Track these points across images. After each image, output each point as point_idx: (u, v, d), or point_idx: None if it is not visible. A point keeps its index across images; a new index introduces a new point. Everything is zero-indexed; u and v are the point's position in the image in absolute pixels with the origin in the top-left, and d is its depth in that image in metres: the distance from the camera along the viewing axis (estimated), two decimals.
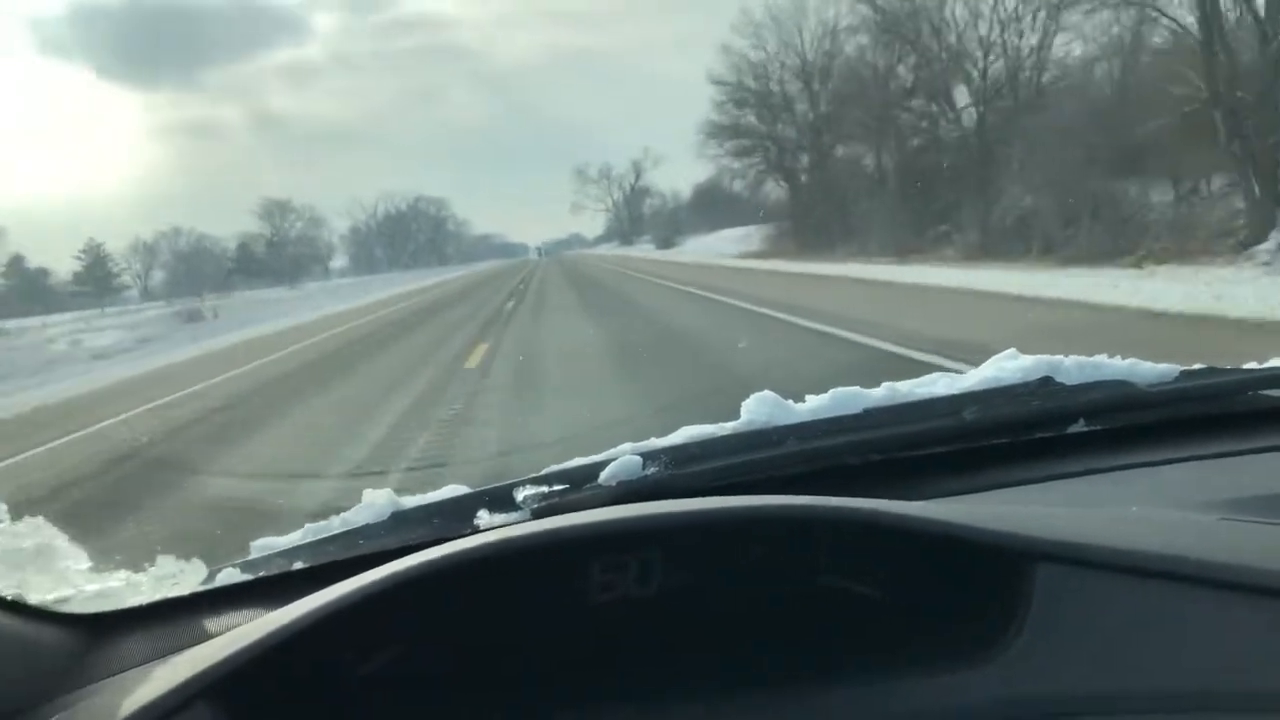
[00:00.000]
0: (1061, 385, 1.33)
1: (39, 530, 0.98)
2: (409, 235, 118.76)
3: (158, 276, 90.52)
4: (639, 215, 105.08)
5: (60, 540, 1.00)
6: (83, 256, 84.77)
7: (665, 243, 69.49)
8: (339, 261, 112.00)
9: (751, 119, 45.24)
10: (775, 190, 45.90)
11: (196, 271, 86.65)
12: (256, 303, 48.16)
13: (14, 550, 0.94)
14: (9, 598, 0.94)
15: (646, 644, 0.94)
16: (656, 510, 0.92)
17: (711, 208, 72.93)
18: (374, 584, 0.86)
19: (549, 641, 0.95)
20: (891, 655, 0.89)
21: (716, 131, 46.73)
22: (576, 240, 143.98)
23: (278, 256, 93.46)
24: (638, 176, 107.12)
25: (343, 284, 75.91)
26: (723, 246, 47.96)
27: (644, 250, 72.15)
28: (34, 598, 0.98)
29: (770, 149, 45.03)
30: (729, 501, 0.93)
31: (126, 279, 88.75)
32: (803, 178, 42.54)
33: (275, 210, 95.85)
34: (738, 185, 53.93)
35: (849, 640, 0.93)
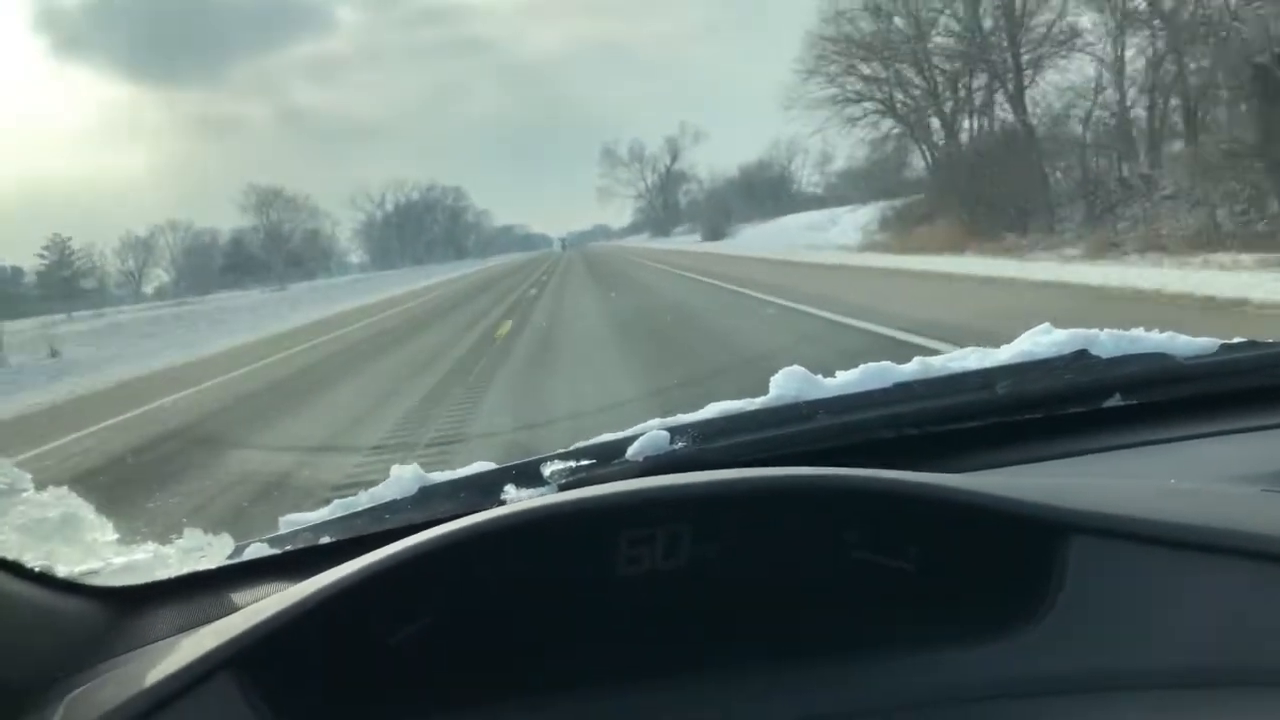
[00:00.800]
0: (1097, 359, 1.31)
1: (63, 500, 0.98)
2: (422, 227, 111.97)
3: (161, 277, 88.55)
4: (673, 202, 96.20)
5: (86, 511, 1.00)
6: (45, 254, 77.01)
7: (714, 232, 58.83)
8: (358, 257, 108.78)
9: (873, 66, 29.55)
10: (889, 151, 31.69)
11: (200, 269, 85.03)
12: (196, 317, 36.17)
13: (40, 521, 0.93)
14: (37, 569, 0.94)
15: (673, 618, 0.93)
16: (682, 481, 0.91)
17: (762, 191, 69.54)
18: (401, 553, 0.86)
19: (575, 613, 0.95)
20: (924, 628, 0.87)
21: (826, 59, 29.83)
22: (601, 231, 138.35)
23: (276, 252, 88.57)
24: (674, 157, 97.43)
25: (338, 284, 70.03)
26: (806, 236, 35.19)
27: (685, 241, 62.81)
28: (62, 570, 0.98)
29: (912, 95, 29.37)
30: (756, 472, 0.92)
31: (115, 278, 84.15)
32: (963, 135, 28.37)
33: (267, 200, 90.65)
34: (842, 148, 46.36)
35: (881, 614, 0.92)
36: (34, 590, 0.94)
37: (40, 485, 0.96)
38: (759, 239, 43.47)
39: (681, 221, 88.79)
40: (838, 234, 32.75)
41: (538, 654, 0.92)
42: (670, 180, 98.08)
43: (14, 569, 0.92)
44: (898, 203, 30.26)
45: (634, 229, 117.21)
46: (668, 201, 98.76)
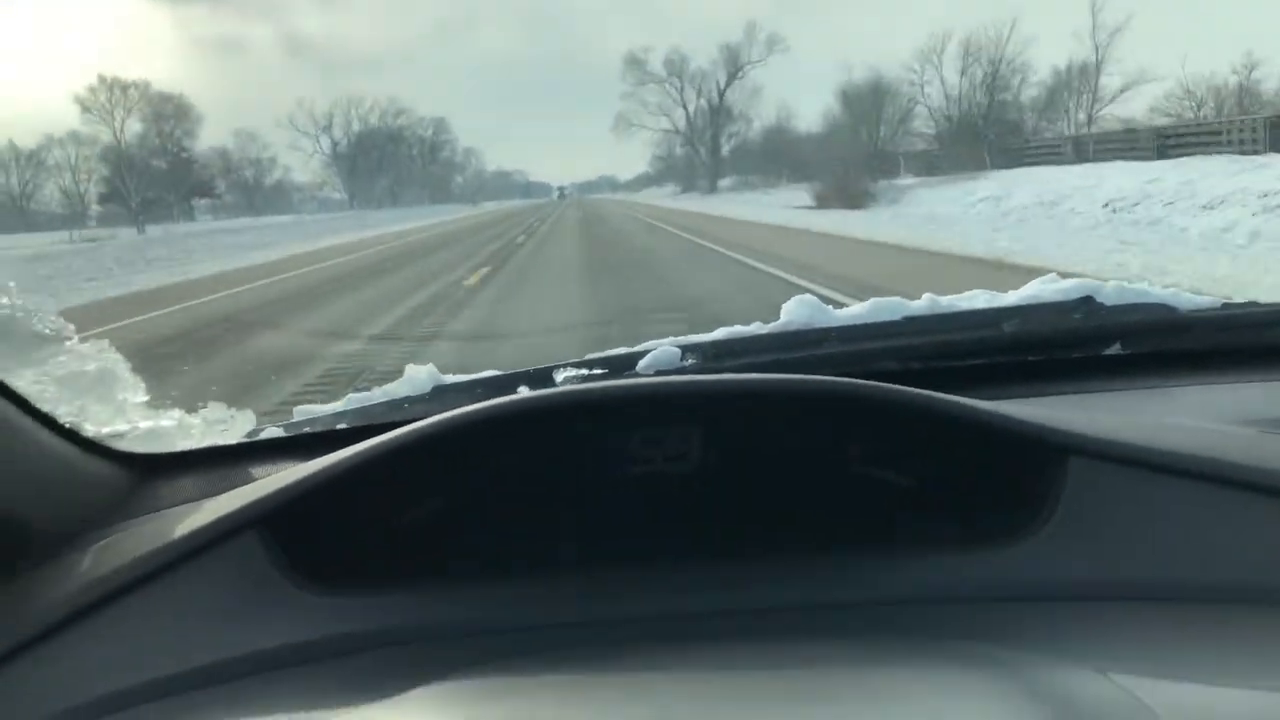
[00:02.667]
0: (1101, 305, 1.34)
1: (103, 355, 1.01)
2: (384, 163, 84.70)
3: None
4: (716, 147, 65.56)
5: (121, 369, 1.03)
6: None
7: (846, 194, 28.49)
8: (303, 195, 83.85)
9: None
10: None
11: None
12: None
13: (78, 374, 0.96)
14: (68, 425, 0.97)
15: (676, 518, 0.96)
16: (697, 378, 0.93)
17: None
18: (421, 429, 0.88)
19: (580, 507, 0.97)
20: (919, 537, 0.90)
21: None
22: (606, 183, 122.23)
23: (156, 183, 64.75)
24: (733, 74, 64.89)
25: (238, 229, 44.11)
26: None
27: (773, 209, 29.62)
28: (90, 429, 1.00)
29: None
30: (772, 376, 0.95)
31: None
32: None
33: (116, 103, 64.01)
34: None
35: (880, 523, 0.95)
36: (64, 446, 0.97)
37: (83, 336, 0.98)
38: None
39: (727, 172, 63.41)
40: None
41: (538, 540, 0.95)
42: (718, 114, 67.09)
43: (48, 422, 0.95)
44: None
45: (651, 180, 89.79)
46: (715, 143, 67.17)
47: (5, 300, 0.87)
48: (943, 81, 45.52)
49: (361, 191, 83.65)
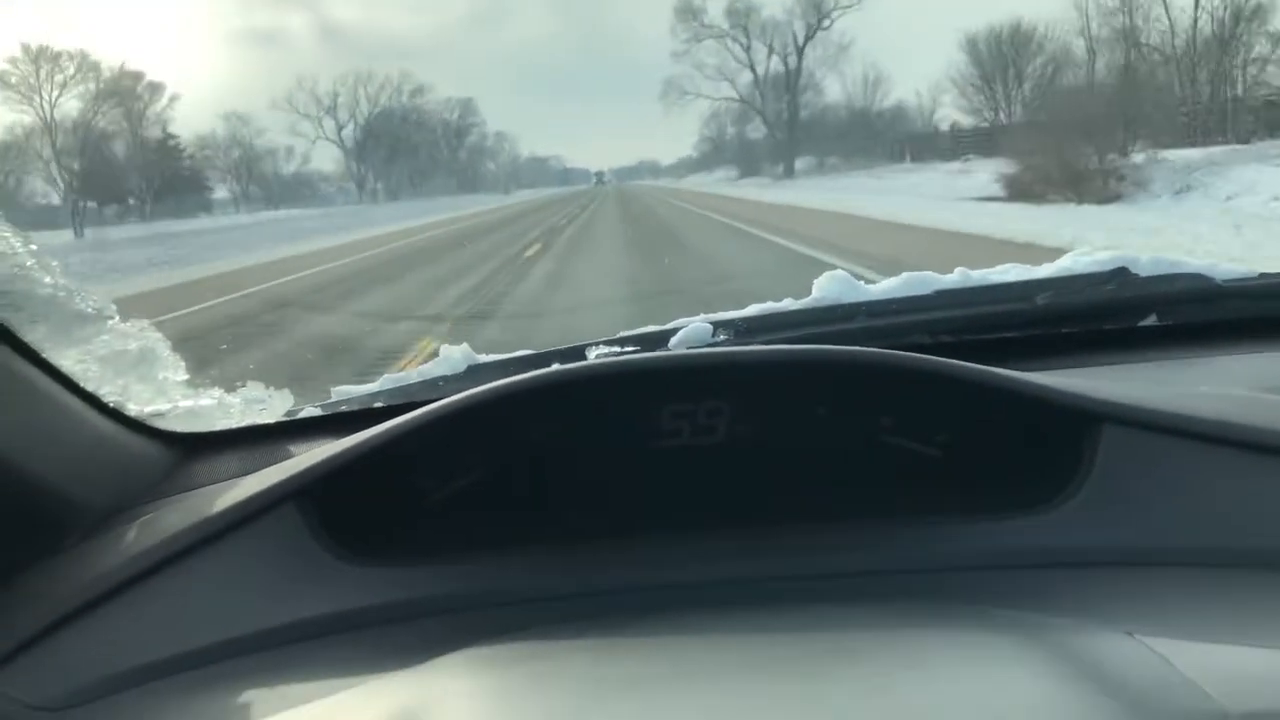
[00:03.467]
0: (1136, 276, 1.33)
1: (144, 334, 1.03)
2: (400, 148, 72.50)
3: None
4: (794, 117, 50.21)
5: (162, 348, 1.05)
6: None
7: (1094, 185, 17.56)
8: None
9: None
10: None
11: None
12: None
13: (120, 353, 0.98)
14: (112, 404, 0.99)
15: (704, 489, 0.97)
16: (729, 350, 0.94)
17: None
18: (457, 402, 0.89)
19: (609, 477, 0.98)
20: (949, 506, 0.90)
21: None
22: (646, 168, 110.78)
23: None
24: (815, 25, 49.46)
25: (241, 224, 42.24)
26: None
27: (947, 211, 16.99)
28: (133, 408, 1.03)
29: None
30: (802, 348, 0.95)
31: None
32: None
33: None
34: None
35: (909, 493, 0.95)
36: (109, 424, 0.99)
37: (124, 315, 1.00)
38: None
39: (803, 151, 49.77)
40: None
41: (568, 513, 0.96)
42: (799, 73, 50.68)
43: (93, 401, 0.97)
44: None
45: (695, 164, 76.62)
46: (795, 111, 50.95)
47: (49, 280, 0.89)
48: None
49: (375, 180, 73.39)
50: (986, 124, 37.12)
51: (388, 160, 72.66)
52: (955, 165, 27.08)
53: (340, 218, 43.07)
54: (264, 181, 69.18)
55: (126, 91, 53.43)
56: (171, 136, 58.71)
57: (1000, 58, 38.89)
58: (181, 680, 0.76)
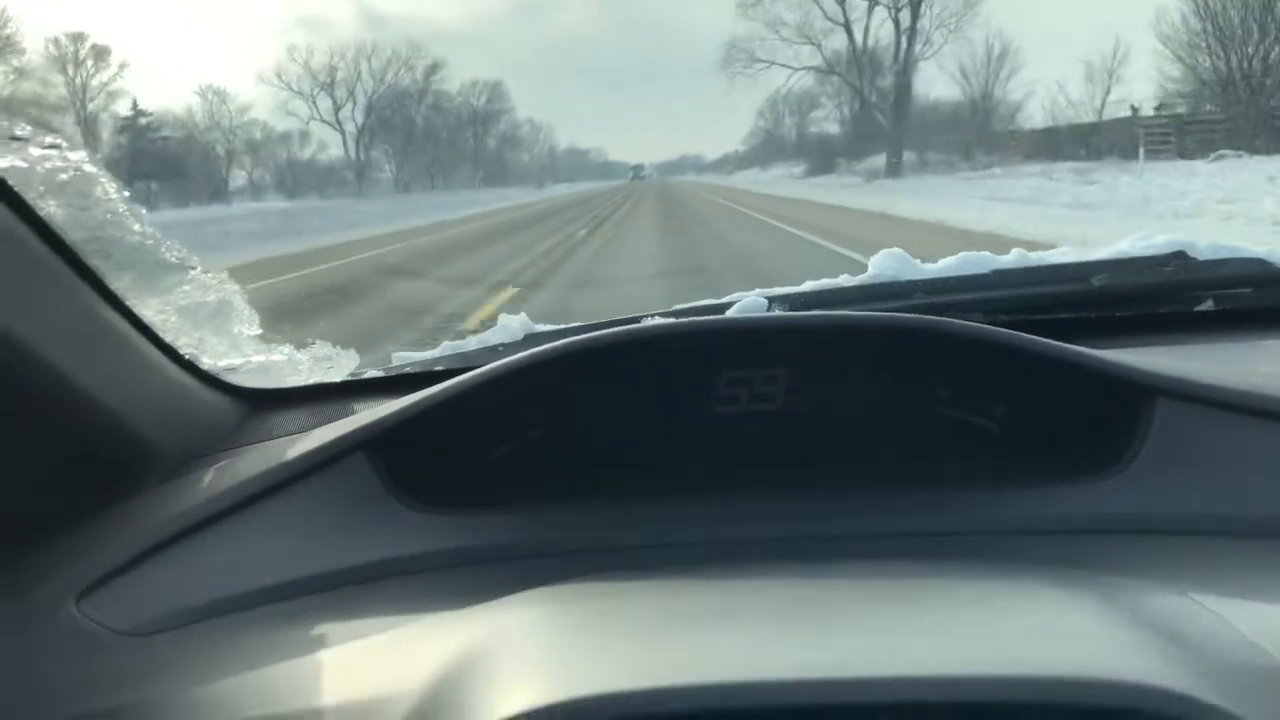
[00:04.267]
0: (1194, 260, 1.32)
1: (223, 286, 1.06)
2: (413, 133, 61.87)
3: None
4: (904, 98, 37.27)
5: (239, 301, 1.08)
6: None
7: None
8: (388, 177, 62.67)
9: None
10: None
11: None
12: None
13: (199, 305, 1.01)
14: (187, 357, 1.02)
15: (762, 452, 0.98)
16: (788, 314, 0.95)
17: None
18: (518, 360, 0.92)
19: (670, 440, 0.99)
20: (1004, 474, 0.91)
21: None
22: (690, 163, 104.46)
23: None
24: None
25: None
26: None
27: None
28: (207, 361, 1.06)
29: None
30: (865, 314, 0.96)
31: None
32: None
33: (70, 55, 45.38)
34: None
35: (962, 461, 0.96)
36: (185, 377, 1.03)
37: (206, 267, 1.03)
38: None
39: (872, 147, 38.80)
40: None
41: (625, 472, 0.97)
42: (913, 36, 38.20)
43: (171, 353, 1.00)
44: None
45: (742, 160, 67.89)
46: (905, 86, 38.37)
47: (137, 227, 0.92)
48: None
49: (380, 169, 64.09)
50: (1212, 107, 26.94)
51: (401, 148, 62.80)
52: (1176, 164, 18.11)
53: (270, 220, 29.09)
54: (210, 164, 58.24)
55: (67, 56, 46.65)
56: (143, 114, 53.12)
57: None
58: (257, 614, 0.79)
